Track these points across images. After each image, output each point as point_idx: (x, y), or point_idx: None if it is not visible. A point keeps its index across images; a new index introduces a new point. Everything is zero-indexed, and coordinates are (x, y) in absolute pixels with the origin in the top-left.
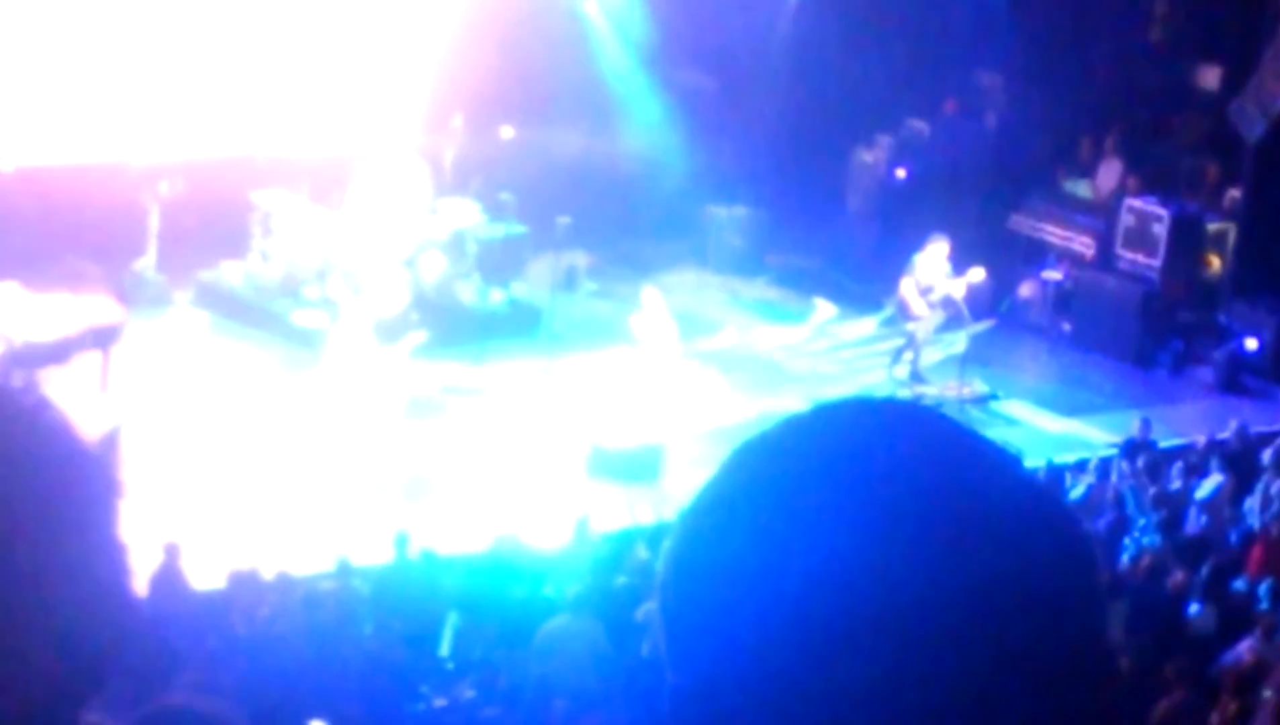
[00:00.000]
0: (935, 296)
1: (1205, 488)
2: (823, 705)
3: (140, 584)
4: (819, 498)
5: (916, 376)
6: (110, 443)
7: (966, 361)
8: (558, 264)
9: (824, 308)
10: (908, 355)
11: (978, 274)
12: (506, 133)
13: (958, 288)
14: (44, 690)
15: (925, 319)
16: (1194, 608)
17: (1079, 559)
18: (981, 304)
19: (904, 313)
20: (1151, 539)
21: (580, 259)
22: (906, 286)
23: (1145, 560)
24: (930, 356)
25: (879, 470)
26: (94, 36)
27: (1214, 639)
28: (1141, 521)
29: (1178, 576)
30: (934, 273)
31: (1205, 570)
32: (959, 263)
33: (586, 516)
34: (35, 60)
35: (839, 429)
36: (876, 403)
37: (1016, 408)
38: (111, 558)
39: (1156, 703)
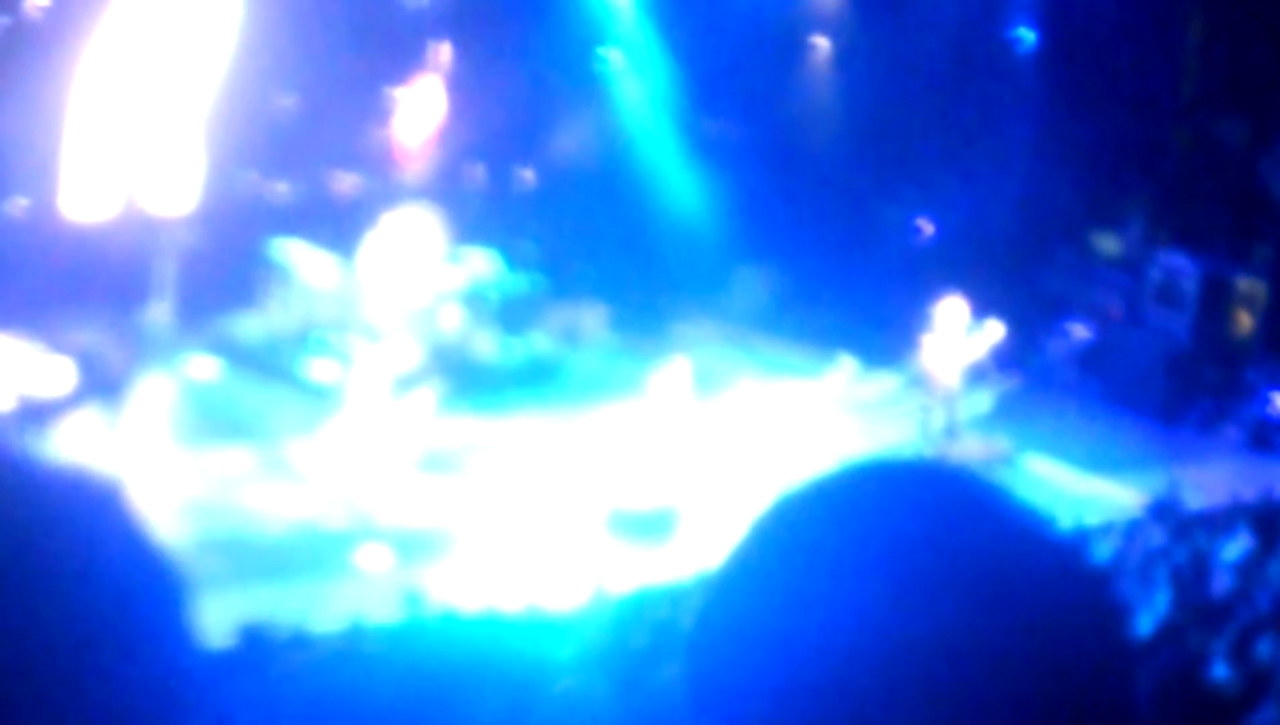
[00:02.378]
0: (956, 354)
1: (1233, 550)
2: None
3: None
4: (847, 561)
5: (951, 432)
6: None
7: (992, 419)
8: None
9: (847, 364)
10: (938, 414)
11: (996, 330)
12: (528, 181)
13: (978, 345)
14: None
15: (948, 377)
16: (1220, 671)
17: (1107, 622)
18: (1008, 360)
19: (925, 372)
20: (1178, 602)
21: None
22: (925, 345)
23: (1172, 623)
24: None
25: (907, 533)
26: (110, 82)
27: (1240, 704)
28: (1168, 584)
29: (1204, 640)
30: (952, 331)
31: (1232, 633)
32: (985, 319)
33: (602, 576)
34: (51, 107)
35: (867, 491)
36: (904, 464)
37: (1042, 466)
38: (186, 669)
39: None
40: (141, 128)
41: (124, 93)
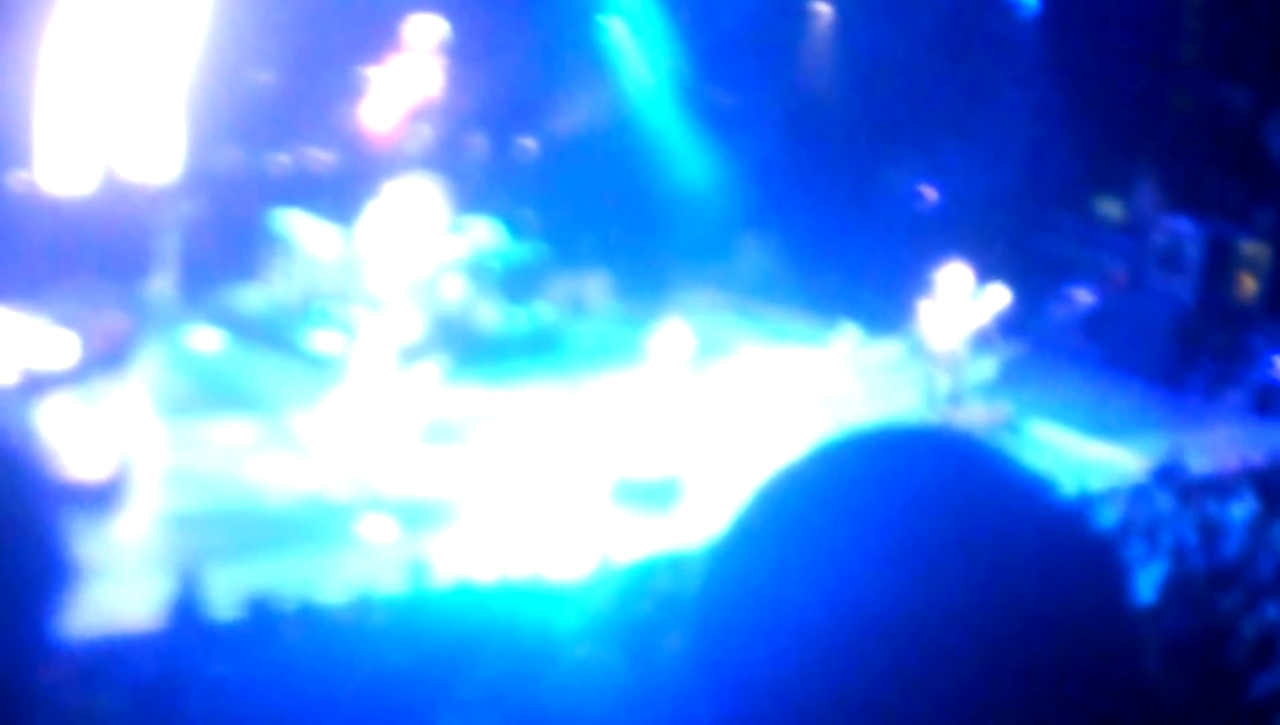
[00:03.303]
0: (959, 320)
1: (1238, 513)
2: None
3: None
4: (851, 527)
5: (955, 398)
6: (122, 468)
7: (996, 385)
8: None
9: (850, 330)
10: (942, 380)
11: (1001, 295)
12: (530, 149)
13: (982, 311)
14: None
15: (952, 343)
16: (1228, 635)
17: (1113, 587)
18: (1011, 326)
19: (928, 339)
20: (1184, 566)
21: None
22: (928, 311)
23: (1178, 587)
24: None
25: (911, 500)
26: (113, 53)
27: (1248, 666)
28: (1173, 549)
29: (1210, 604)
30: (956, 296)
31: (1239, 597)
32: (988, 284)
33: (608, 546)
34: (53, 79)
35: (870, 458)
36: (907, 430)
37: (1047, 431)
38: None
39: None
40: (121, 96)
41: (102, 59)
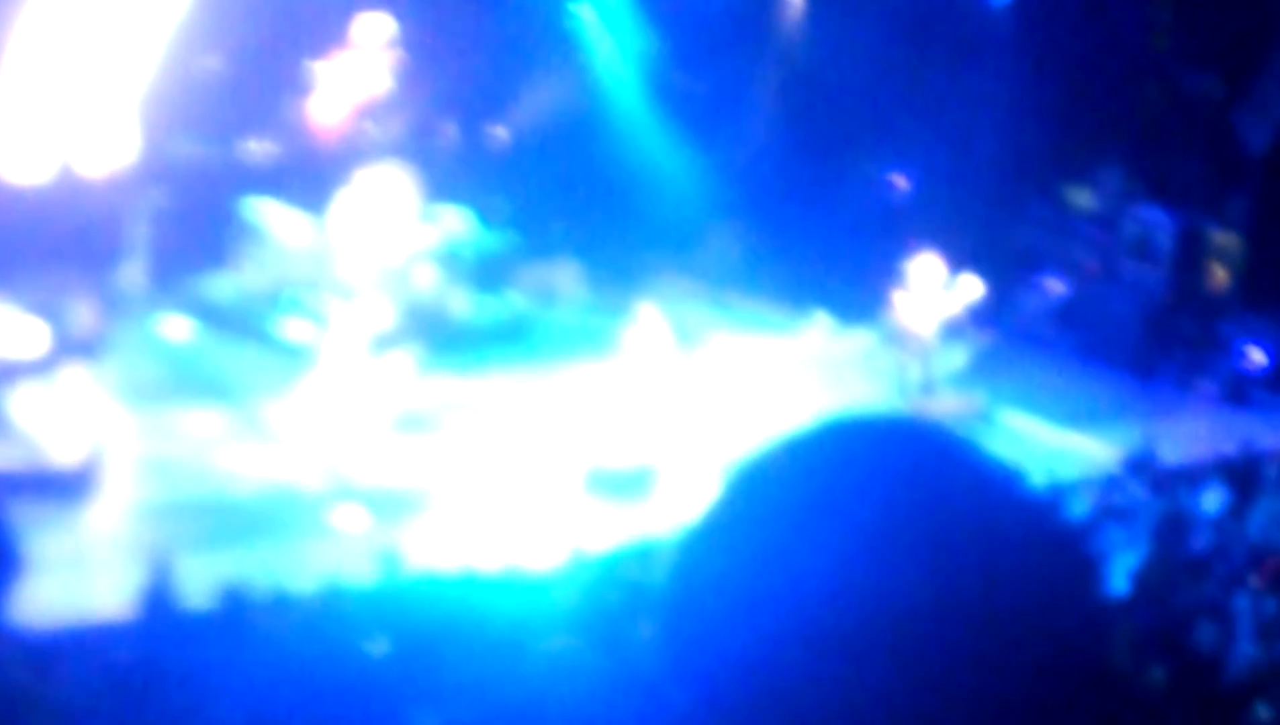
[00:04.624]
0: (931, 310)
1: (1209, 504)
2: (828, 716)
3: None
4: (821, 517)
5: (927, 388)
6: (94, 456)
7: (968, 374)
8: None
9: (822, 320)
10: (914, 369)
11: (973, 286)
12: (500, 138)
13: (954, 301)
14: None
15: (924, 333)
16: (1198, 625)
17: (1081, 577)
18: (983, 316)
19: (900, 328)
20: (1155, 556)
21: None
22: (900, 301)
23: (1149, 578)
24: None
25: (881, 490)
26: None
27: (1219, 656)
28: (1145, 539)
29: (1181, 594)
30: (927, 286)
31: (1209, 588)
32: (959, 274)
33: (580, 536)
34: (20, 67)
35: (841, 448)
36: (878, 421)
37: (1018, 421)
38: None
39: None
40: (81, 83)
41: (63, 46)
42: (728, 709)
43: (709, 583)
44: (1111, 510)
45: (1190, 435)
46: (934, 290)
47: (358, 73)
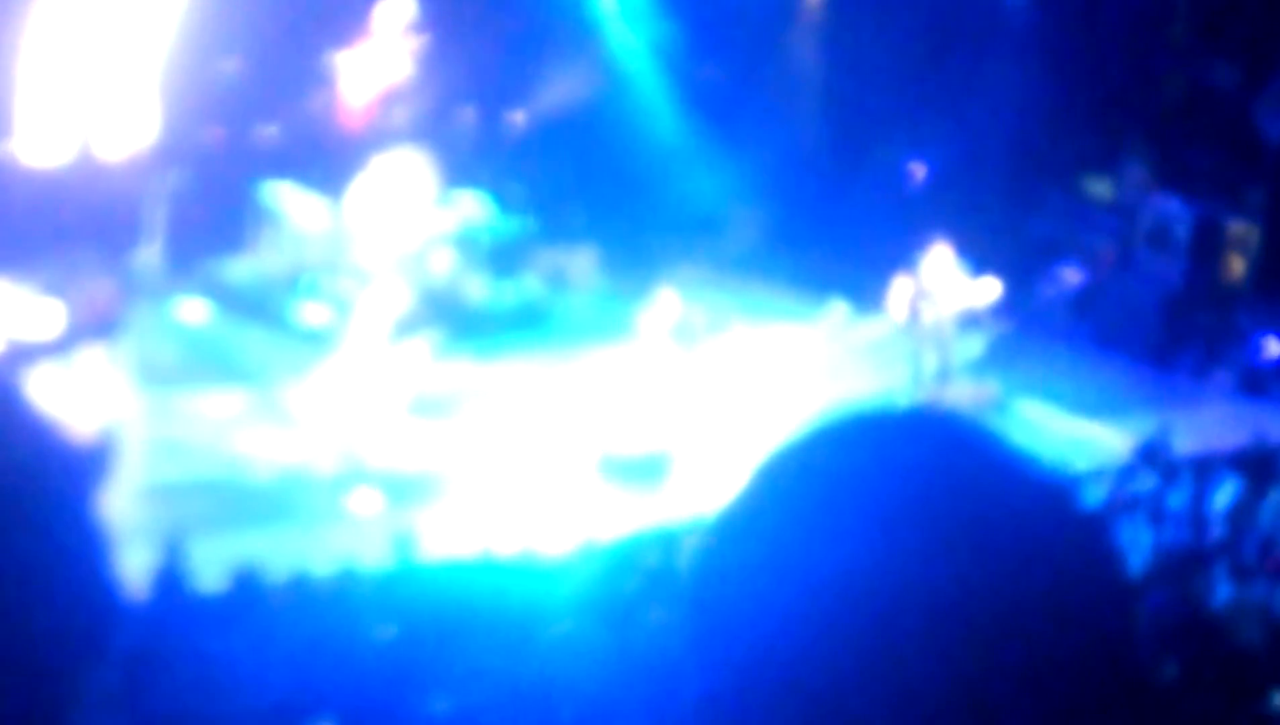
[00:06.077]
0: (945, 300)
1: (1223, 495)
2: (849, 711)
3: (135, 582)
4: (844, 507)
5: (943, 377)
6: (106, 436)
7: (984, 363)
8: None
9: (839, 307)
10: (930, 358)
11: (992, 287)
12: (518, 124)
13: (970, 294)
14: (18, 686)
15: (940, 321)
16: (1213, 614)
17: (1101, 565)
18: (1000, 305)
19: (916, 317)
20: (1170, 546)
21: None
22: (909, 290)
23: (1163, 567)
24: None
25: (902, 481)
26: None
27: (1234, 645)
28: (1160, 528)
29: (1196, 583)
30: (943, 275)
31: (1223, 576)
32: (978, 264)
33: (594, 521)
34: (40, 48)
35: (866, 440)
36: (900, 413)
37: (1034, 410)
38: (87, 551)
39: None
40: (101, 65)
41: (84, 29)
42: (750, 697)
43: (734, 572)
44: (1126, 499)
45: (1206, 425)
46: (949, 279)
47: (376, 58)
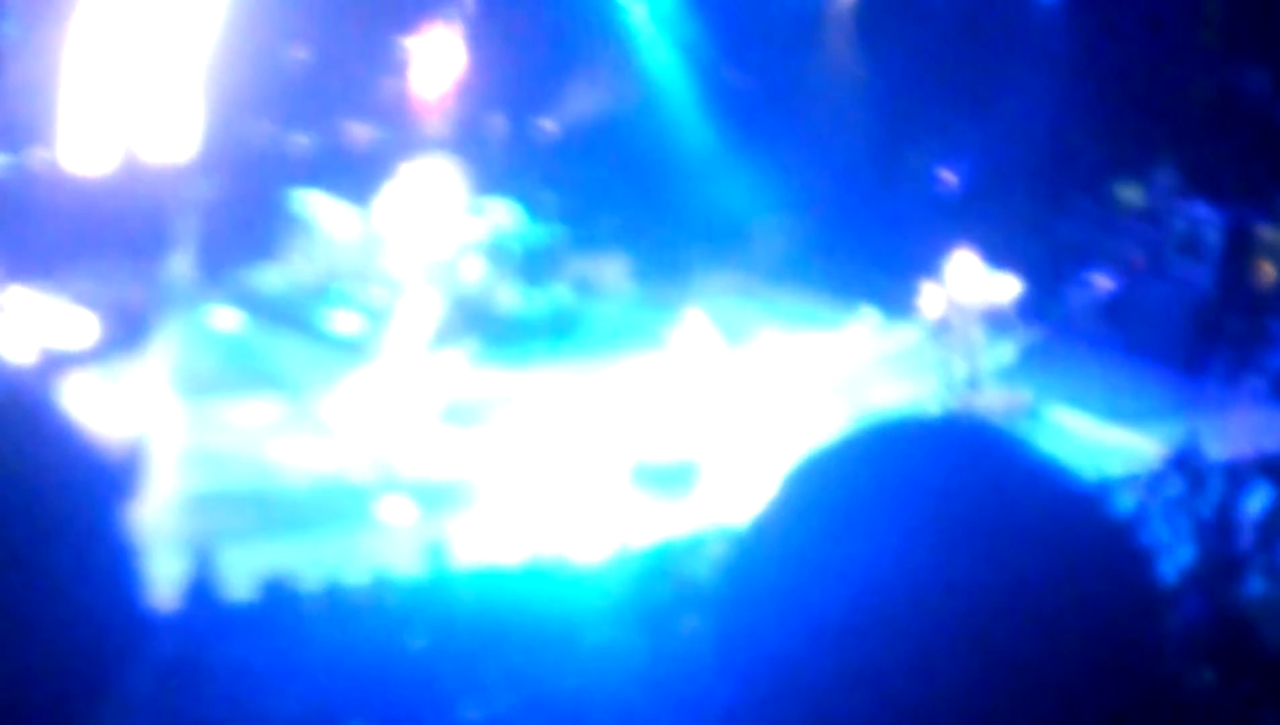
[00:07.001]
0: (970, 306)
1: (1254, 502)
2: (878, 715)
3: (168, 591)
4: (874, 516)
5: (974, 384)
6: (139, 446)
7: (1015, 370)
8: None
9: (869, 315)
10: (960, 366)
11: (1012, 285)
12: (549, 131)
13: (997, 297)
14: (49, 697)
15: (965, 329)
16: (1245, 622)
17: (1133, 572)
18: (1031, 311)
19: (946, 324)
20: (1201, 553)
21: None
22: (936, 297)
23: (1195, 574)
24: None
25: (932, 489)
26: (133, 33)
27: (1268, 654)
28: (1191, 535)
29: (1228, 590)
30: (965, 283)
31: (1254, 585)
32: (1007, 269)
33: (626, 529)
34: (76, 57)
35: (897, 448)
36: (931, 421)
37: (1065, 417)
38: (117, 562)
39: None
40: (141, 75)
41: (124, 38)
42: (778, 705)
43: (763, 580)
44: (1157, 506)
45: (1237, 432)
46: (978, 285)
47: (409, 66)
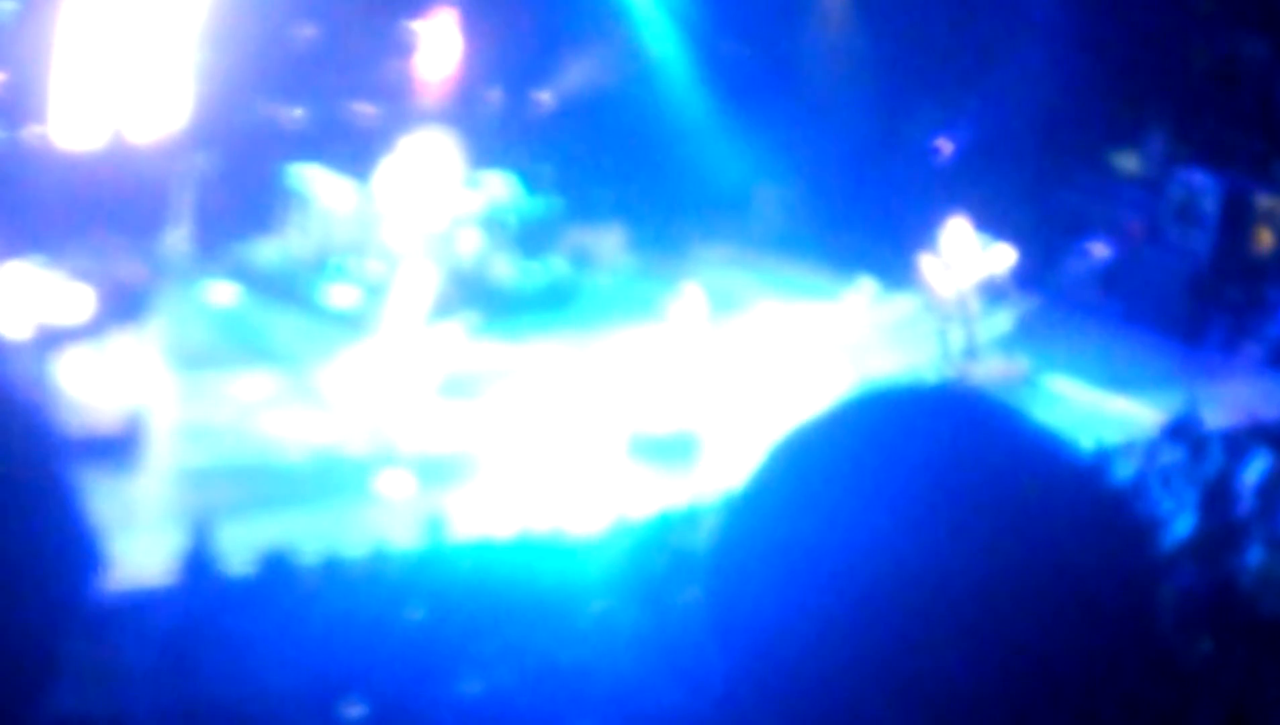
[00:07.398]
0: (966, 275)
1: (1252, 469)
2: (870, 684)
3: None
4: (865, 486)
5: (971, 353)
6: (136, 420)
7: (1012, 339)
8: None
9: (866, 285)
10: (958, 335)
11: (1006, 254)
12: (545, 104)
13: (993, 265)
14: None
15: (960, 297)
16: (1242, 591)
17: (1129, 540)
18: (1028, 280)
19: (942, 294)
20: (1199, 521)
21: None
22: (930, 267)
23: (1193, 542)
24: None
25: (926, 457)
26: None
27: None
28: (1189, 503)
29: (1225, 558)
30: (960, 251)
31: (1253, 551)
32: (1005, 238)
33: (624, 501)
34: (68, 33)
35: (885, 416)
36: (922, 388)
37: (1063, 385)
38: (63, 543)
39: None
40: (133, 50)
41: (115, 14)
42: (771, 674)
43: (753, 550)
44: (1155, 474)
45: (1235, 399)
46: (974, 254)
47: (405, 39)
